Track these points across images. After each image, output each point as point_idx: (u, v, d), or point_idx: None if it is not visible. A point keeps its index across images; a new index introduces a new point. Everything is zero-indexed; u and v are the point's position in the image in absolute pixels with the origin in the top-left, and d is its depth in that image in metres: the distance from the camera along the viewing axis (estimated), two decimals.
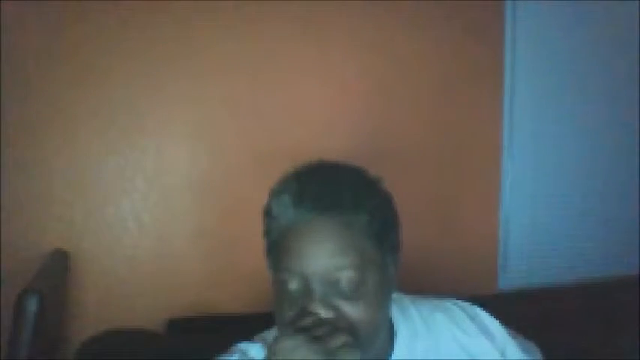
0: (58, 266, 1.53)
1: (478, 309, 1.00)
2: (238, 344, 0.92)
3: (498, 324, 0.99)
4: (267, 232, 0.88)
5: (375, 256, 0.84)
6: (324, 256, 0.80)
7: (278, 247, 0.84)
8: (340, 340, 0.73)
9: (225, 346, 0.93)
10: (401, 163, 1.89)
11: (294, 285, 0.81)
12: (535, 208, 2.12)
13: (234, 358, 0.89)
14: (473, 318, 0.97)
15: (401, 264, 0.93)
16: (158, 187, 1.69)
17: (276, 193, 0.86)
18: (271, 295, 0.87)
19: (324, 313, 0.78)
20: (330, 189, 0.83)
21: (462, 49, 1.97)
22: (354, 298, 0.80)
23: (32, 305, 1.18)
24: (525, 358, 0.98)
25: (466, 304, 1.00)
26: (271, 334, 0.94)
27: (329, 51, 1.82)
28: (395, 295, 0.97)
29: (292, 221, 0.82)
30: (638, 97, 2.22)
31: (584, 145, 2.17)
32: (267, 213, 0.87)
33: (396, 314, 0.94)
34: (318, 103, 1.82)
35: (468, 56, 1.98)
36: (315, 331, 0.74)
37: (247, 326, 0.98)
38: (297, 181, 0.85)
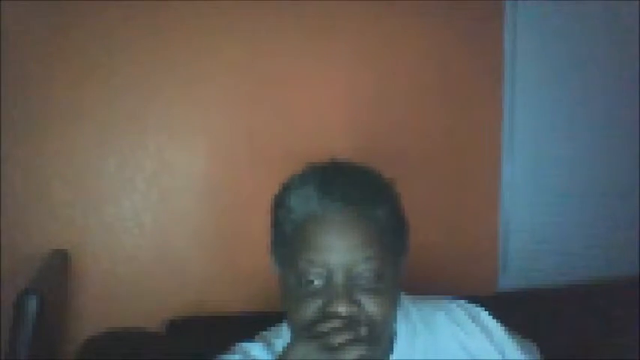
0: (58, 266, 1.53)
1: (479, 309, 1.00)
2: (240, 344, 0.92)
3: (498, 324, 0.99)
4: (279, 225, 0.86)
5: (391, 253, 0.85)
6: (350, 248, 0.80)
7: (295, 239, 0.83)
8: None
9: (225, 346, 0.93)
10: (400, 164, 1.88)
11: (315, 277, 0.80)
12: (535, 208, 2.11)
13: (236, 357, 0.89)
14: (473, 318, 0.97)
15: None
16: (158, 187, 1.69)
17: (295, 184, 0.86)
18: (275, 293, 0.86)
19: (347, 309, 0.76)
20: (355, 182, 0.85)
21: (462, 50, 1.96)
22: (374, 292, 0.80)
23: (32, 305, 1.17)
24: (525, 358, 0.99)
25: (467, 304, 1.00)
26: (272, 333, 0.94)
27: (329, 52, 1.82)
28: None
29: (316, 212, 0.82)
30: (638, 97, 2.21)
31: (585, 145, 2.17)
32: (281, 205, 0.86)
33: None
34: (317, 104, 1.82)
35: (467, 56, 1.97)
36: (333, 338, 0.72)
37: (247, 326, 0.98)
38: (322, 174, 0.85)
